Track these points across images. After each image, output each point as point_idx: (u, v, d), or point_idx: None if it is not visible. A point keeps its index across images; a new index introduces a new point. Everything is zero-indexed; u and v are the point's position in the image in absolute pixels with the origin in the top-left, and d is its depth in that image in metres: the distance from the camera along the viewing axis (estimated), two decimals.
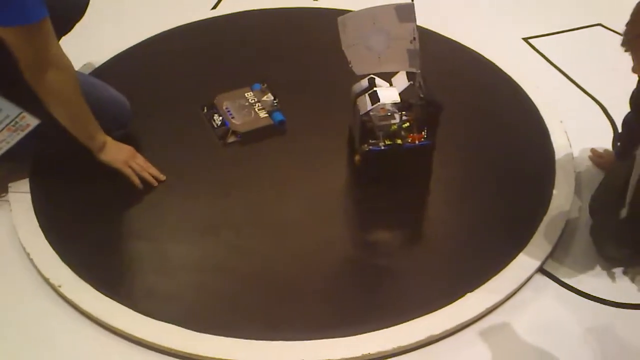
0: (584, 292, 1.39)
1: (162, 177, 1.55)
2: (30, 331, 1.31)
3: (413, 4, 1.33)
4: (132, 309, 1.32)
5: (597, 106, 1.84)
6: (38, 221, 1.47)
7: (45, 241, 1.43)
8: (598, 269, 1.44)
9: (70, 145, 1.48)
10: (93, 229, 1.47)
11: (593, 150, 1.67)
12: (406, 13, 1.34)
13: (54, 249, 1.42)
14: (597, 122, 1.80)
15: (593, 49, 2.06)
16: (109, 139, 1.52)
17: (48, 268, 1.39)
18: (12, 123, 1.40)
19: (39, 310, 1.34)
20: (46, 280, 1.38)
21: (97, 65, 1.86)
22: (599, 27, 2.14)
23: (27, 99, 1.39)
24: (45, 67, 1.32)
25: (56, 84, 1.36)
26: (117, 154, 1.52)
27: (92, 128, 1.48)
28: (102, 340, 1.30)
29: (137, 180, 1.52)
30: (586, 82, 1.92)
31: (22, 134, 1.42)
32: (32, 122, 1.41)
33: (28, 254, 1.42)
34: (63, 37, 1.53)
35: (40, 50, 1.31)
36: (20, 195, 1.54)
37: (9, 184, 1.56)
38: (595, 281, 1.41)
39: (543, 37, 2.10)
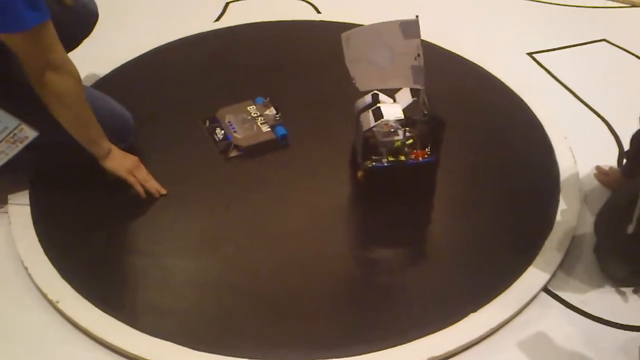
0: (589, 313, 1.37)
1: (163, 190, 1.54)
2: (27, 346, 1.30)
3: (418, 20, 1.32)
4: (130, 326, 1.30)
5: (602, 123, 1.83)
6: (37, 235, 1.46)
7: (44, 256, 1.42)
8: (603, 288, 1.42)
9: (71, 158, 1.47)
10: (92, 243, 1.46)
11: (598, 168, 1.65)
12: (411, 29, 1.33)
13: (52, 263, 1.41)
14: (602, 138, 1.78)
15: (598, 64, 2.05)
16: (114, 147, 1.51)
17: (46, 283, 1.37)
18: (11, 135, 1.39)
19: (37, 325, 1.33)
20: (44, 296, 1.36)
21: (99, 77, 1.86)
22: (603, 42, 2.13)
23: (27, 110, 1.38)
24: (48, 71, 1.31)
25: (59, 87, 1.34)
26: (121, 162, 1.51)
27: (96, 134, 1.46)
28: (100, 357, 1.28)
29: (141, 189, 1.52)
30: (591, 98, 1.90)
31: (20, 146, 1.41)
32: (30, 134, 1.40)
33: (26, 268, 1.40)
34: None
35: (42, 55, 1.30)
36: (20, 207, 1.52)
37: (9, 196, 1.55)
38: (600, 302, 1.39)
39: (548, 52, 2.09)
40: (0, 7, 1.20)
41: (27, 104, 1.36)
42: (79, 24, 1.64)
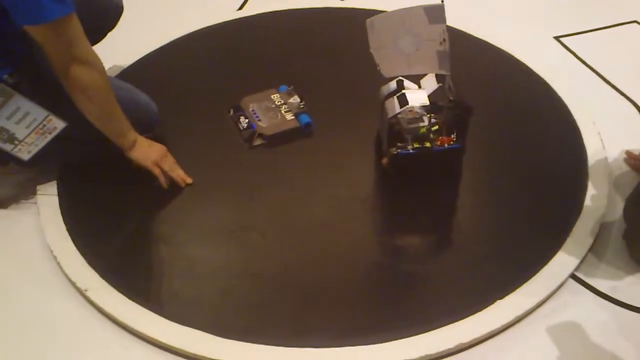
0: (619, 300, 1.35)
1: (189, 179, 1.55)
2: (56, 334, 1.32)
3: (443, 5, 1.30)
4: (158, 314, 1.31)
5: (632, 106, 1.80)
6: (65, 225, 1.48)
7: (72, 245, 1.44)
8: (633, 275, 1.40)
9: (98, 149, 1.48)
10: (119, 233, 1.47)
11: (628, 152, 1.62)
12: (436, 14, 1.31)
13: (80, 252, 1.42)
14: (631, 122, 1.75)
15: (628, 47, 2.01)
16: (140, 137, 1.51)
17: (75, 272, 1.39)
18: (40, 126, 1.40)
19: (65, 313, 1.35)
20: (73, 284, 1.38)
21: (123, 68, 1.86)
22: (634, 24, 2.08)
23: (55, 103, 1.39)
24: (72, 64, 1.32)
25: (84, 81, 1.35)
26: (147, 152, 1.52)
27: (121, 126, 1.47)
28: (127, 344, 1.29)
29: (164, 182, 1.52)
30: (620, 82, 1.87)
31: (49, 137, 1.43)
32: (59, 124, 1.42)
33: (55, 257, 1.42)
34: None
35: (66, 48, 1.30)
36: (48, 198, 1.54)
37: (37, 187, 1.56)
38: (630, 288, 1.37)
39: (575, 36, 2.06)
40: None
41: (54, 97, 1.37)
42: (104, 17, 1.64)
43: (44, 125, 1.41)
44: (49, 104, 1.40)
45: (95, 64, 1.36)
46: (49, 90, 1.38)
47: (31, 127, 1.40)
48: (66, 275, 1.39)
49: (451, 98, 1.45)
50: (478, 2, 2.20)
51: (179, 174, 1.54)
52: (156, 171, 1.52)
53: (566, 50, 2.01)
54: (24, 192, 1.58)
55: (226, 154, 1.65)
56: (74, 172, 1.59)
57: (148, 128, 1.58)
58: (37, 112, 1.39)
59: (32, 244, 1.47)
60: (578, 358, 1.26)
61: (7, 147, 1.40)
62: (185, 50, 1.96)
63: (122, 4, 1.70)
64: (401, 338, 1.26)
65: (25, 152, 1.43)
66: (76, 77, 1.33)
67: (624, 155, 1.62)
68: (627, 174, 1.59)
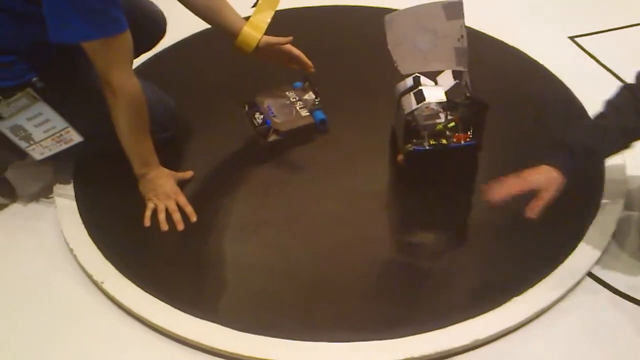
0: (635, 299, 1.34)
1: (194, 218, 1.47)
2: (73, 326, 1.32)
3: (462, 1, 1.30)
4: (173, 307, 1.32)
5: None
6: (82, 218, 1.49)
7: (89, 238, 1.45)
8: None
9: (115, 144, 1.48)
10: (135, 226, 1.47)
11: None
12: (454, 10, 1.31)
13: (97, 246, 1.43)
14: None
15: None
16: (156, 173, 1.47)
17: (91, 265, 1.40)
18: (57, 134, 1.42)
19: (82, 306, 1.36)
20: (89, 277, 1.39)
21: (139, 63, 1.86)
22: None
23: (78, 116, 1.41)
24: (106, 87, 1.32)
25: (114, 106, 1.34)
26: (157, 187, 1.47)
27: (144, 158, 1.45)
28: (143, 337, 1.30)
29: (164, 225, 1.45)
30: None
31: (64, 146, 1.45)
32: (75, 138, 1.44)
33: (72, 250, 1.43)
34: None
35: (102, 69, 1.30)
36: (65, 192, 1.55)
37: (55, 180, 1.58)
38: None
39: (591, 36, 2.05)
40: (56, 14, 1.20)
41: (80, 111, 1.40)
42: (144, 38, 1.60)
43: (61, 135, 1.42)
44: (70, 116, 1.40)
45: (124, 95, 1.32)
46: (74, 103, 1.40)
47: (49, 133, 1.41)
48: (83, 268, 1.40)
49: (468, 95, 1.45)
50: (493, 1, 2.20)
51: (188, 210, 1.47)
52: (160, 206, 1.47)
53: (581, 50, 2.00)
54: (41, 185, 1.59)
55: (241, 149, 1.65)
56: (90, 167, 1.59)
57: (166, 127, 1.58)
58: (58, 122, 1.40)
59: (49, 237, 1.48)
60: (594, 357, 1.25)
61: (22, 144, 1.41)
62: (200, 46, 1.96)
63: (165, 28, 1.70)
64: (417, 334, 1.26)
65: (38, 153, 1.44)
66: (109, 99, 1.33)
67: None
68: None
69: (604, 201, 1.50)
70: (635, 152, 1.61)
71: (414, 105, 1.46)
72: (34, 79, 1.34)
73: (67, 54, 1.35)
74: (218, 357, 1.26)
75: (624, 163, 1.59)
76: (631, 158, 1.61)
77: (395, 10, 1.40)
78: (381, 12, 1.43)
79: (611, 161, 1.58)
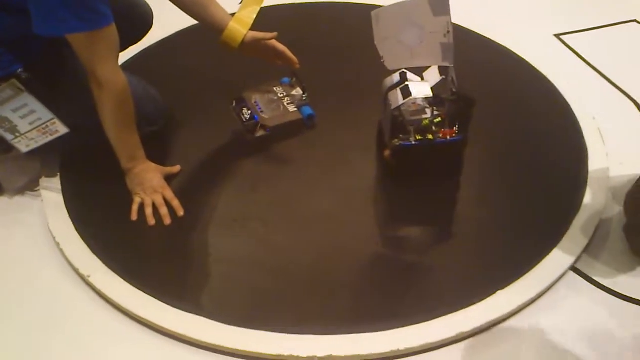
0: (618, 292, 1.36)
1: (181, 212, 1.47)
2: (59, 319, 1.32)
3: None
4: (160, 300, 1.32)
5: (631, 103, 1.81)
6: (68, 212, 1.49)
7: (76, 232, 1.44)
8: (633, 268, 1.41)
9: (101, 137, 1.48)
10: (122, 220, 1.47)
11: None
12: (441, 6, 1.32)
13: (83, 239, 1.43)
14: (631, 119, 1.77)
15: (628, 45, 2.02)
16: (143, 167, 1.48)
17: (78, 258, 1.39)
18: (43, 126, 1.42)
19: (69, 300, 1.35)
20: (76, 271, 1.38)
21: (127, 59, 1.87)
22: (634, 23, 2.10)
23: (62, 107, 1.41)
24: (92, 80, 1.32)
25: (100, 99, 1.34)
26: (144, 181, 1.47)
27: (131, 152, 1.45)
28: (130, 330, 1.30)
29: (151, 219, 1.46)
30: (620, 79, 1.89)
31: (50, 138, 1.44)
32: (61, 129, 1.43)
33: (58, 244, 1.43)
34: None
35: (87, 62, 1.29)
36: (52, 185, 1.55)
37: (41, 173, 1.57)
38: (630, 281, 1.38)
39: (575, 34, 2.07)
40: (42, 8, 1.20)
41: (64, 102, 1.40)
42: (131, 32, 1.60)
43: (47, 126, 1.42)
44: (56, 107, 1.40)
45: (110, 88, 1.32)
46: (59, 95, 1.39)
47: (34, 125, 1.41)
48: (69, 262, 1.40)
49: (454, 90, 1.46)
50: None
51: (174, 205, 1.47)
52: (147, 200, 1.47)
53: (566, 48, 2.02)
54: (28, 179, 1.59)
55: (229, 144, 1.66)
56: (77, 160, 1.59)
57: (154, 121, 1.59)
58: (43, 113, 1.40)
59: (35, 231, 1.48)
60: (577, 350, 1.27)
61: (8, 136, 1.41)
62: (188, 42, 1.97)
63: (152, 22, 1.71)
64: (403, 327, 1.27)
65: (23, 145, 1.44)
66: (94, 91, 1.33)
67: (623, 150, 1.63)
68: (628, 169, 1.61)
69: (587, 197, 1.51)
70: (618, 149, 1.65)
71: (401, 101, 1.47)
72: (19, 70, 1.33)
73: (53, 46, 1.35)
74: (205, 350, 1.26)
75: (607, 160, 1.61)
76: (614, 155, 1.64)
77: (382, 6, 1.41)
78: (368, 8, 1.44)
79: (594, 158, 1.61)
